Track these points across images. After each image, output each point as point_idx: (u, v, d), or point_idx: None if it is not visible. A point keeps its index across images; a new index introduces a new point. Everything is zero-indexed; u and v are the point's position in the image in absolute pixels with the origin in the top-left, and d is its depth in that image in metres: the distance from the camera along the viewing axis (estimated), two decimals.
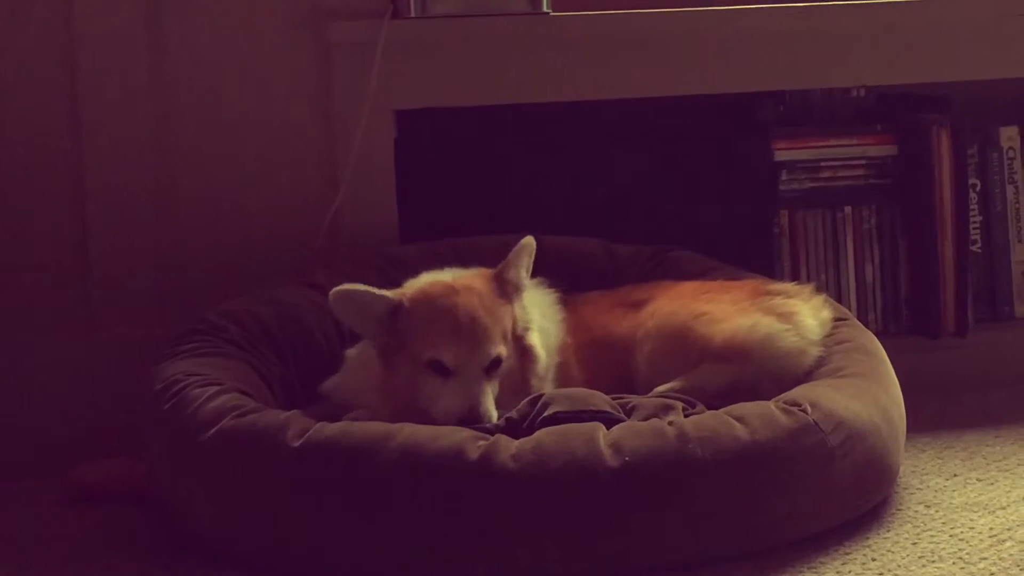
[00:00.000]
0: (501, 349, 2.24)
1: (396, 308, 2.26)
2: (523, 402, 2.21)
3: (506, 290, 2.31)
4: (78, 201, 2.81)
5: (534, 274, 2.41)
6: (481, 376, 2.22)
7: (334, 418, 2.17)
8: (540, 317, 2.39)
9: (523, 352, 2.31)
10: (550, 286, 2.49)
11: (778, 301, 2.47)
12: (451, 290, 2.26)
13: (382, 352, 2.27)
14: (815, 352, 2.42)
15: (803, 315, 2.45)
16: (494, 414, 2.21)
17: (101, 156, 2.80)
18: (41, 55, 2.78)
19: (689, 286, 2.55)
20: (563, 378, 2.40)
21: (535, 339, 2.33)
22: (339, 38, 2.83)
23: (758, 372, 2.37)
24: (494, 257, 2.38)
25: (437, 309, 2.24)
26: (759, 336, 2.38)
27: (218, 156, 2.86)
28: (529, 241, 2.34)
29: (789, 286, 2.55)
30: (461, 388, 2.21)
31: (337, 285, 2.51)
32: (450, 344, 2.22)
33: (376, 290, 2.28)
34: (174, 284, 2.84)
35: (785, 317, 2.43)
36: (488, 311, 2.24)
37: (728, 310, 2.43)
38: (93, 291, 2.82)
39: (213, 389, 2.21)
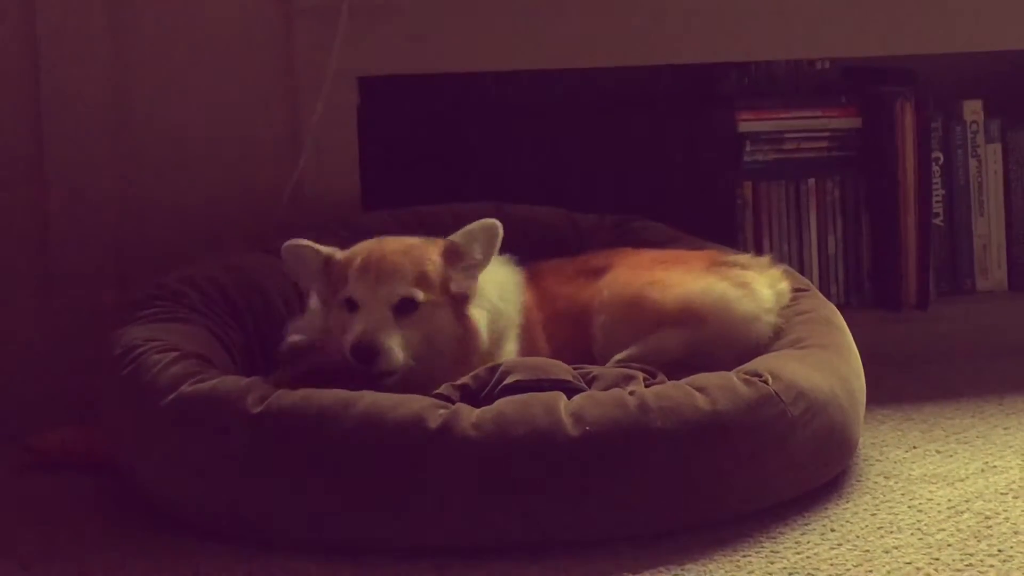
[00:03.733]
0: (414, 292, 2.24)
1: (328, 260, 2.31)
2: (481, 369, 2.21)
3: (448, 253, 2.30)
4: (37, 166, 2.78)
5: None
6: (386, 313, 2.23)
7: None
8: (498, 299, 2.37)
9: (463, 322, 2.29)
10: (518, 264, 2.48)
11: (735, 272, 2.46)
12: (377, 241, 2.32)
13: (323, 301, 2.33)
14: (769, 320, 2.42)
15: (758, 285, 2.45)
16: (397, 355, 2.20)
17: (60, 123, 2.78)
18: None
19: (646, 255, 2.55)
20: (530, 353, 2.39)
21: (478, 316, 2.31)
22: (302, 3, 2.81)
23: (712, 336, 2.37)
24: (457, 225, 2.37)
25: (355, 254, 2.29)
26: (712, 299, 2.39)
27: (179, 122, 2.84)
28: (491, 223, 2.33)
29: (746, 257, 2.55)
30: (362, 319, 2.22)
31: None
32: (357, 280, 2.25)
33: (316, 245, 2.33)
34: (134, 249, 2.82)
35: (740, 285, 2.43)
36: (407, 256, 2.27)
37: (682, 277, 2.43)
38: (52, 256, 2.80)
39: (172, 355, 2.20)
